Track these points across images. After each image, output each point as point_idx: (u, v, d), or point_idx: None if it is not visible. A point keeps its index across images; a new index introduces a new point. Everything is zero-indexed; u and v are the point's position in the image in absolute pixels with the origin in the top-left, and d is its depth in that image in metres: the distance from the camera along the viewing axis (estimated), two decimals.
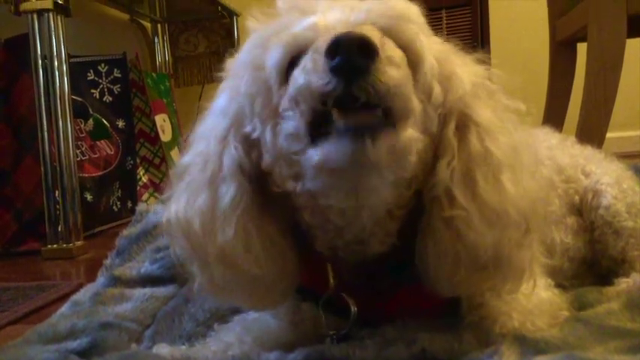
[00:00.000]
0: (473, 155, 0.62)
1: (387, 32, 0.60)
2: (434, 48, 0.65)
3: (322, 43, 0.56)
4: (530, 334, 0.67)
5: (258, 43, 0.64)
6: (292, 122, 0.58)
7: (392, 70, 0.55)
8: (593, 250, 0.96)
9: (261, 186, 0.64)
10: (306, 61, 0.57)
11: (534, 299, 0.73)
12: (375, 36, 0.56)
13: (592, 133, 1.60)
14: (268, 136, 0.61)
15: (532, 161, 0.66)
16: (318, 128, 0.56)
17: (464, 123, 0.64)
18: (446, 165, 0.62)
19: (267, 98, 0.62)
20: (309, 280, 0.70)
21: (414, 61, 0.61)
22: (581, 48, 1.88)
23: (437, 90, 0.62)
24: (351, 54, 0.53)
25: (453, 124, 0.63)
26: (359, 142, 0.53)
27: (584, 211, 0.96)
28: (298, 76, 0.57)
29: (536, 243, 0.81)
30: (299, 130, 0.57)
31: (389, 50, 0.57)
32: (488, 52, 2.57)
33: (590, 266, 0.98)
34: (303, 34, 0.60)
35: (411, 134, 0.58)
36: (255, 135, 0.63)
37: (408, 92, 0.58)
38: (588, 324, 0.71)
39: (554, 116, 1.95)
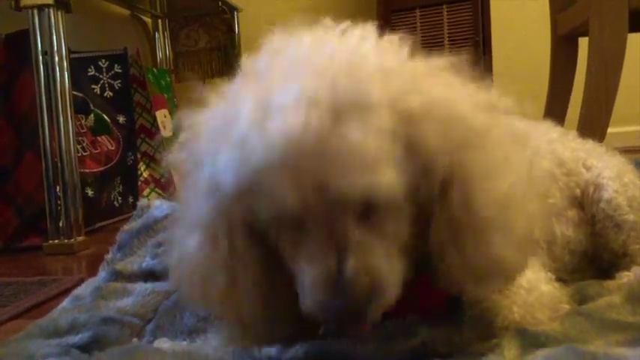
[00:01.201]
0: (458, 221, 0.61)
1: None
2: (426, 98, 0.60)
3: (313, 293, 0.59)
4: (530, 327, 0.68)
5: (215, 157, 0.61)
6: None
7: (381, 302, 0.59)
8: (594, 243, 0.96)
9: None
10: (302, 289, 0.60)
11: (535, 293, 0.74)
12: (365, 280, 0.57)
13: (593, 127, 1.60)
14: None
15: (531, 189, 0.66)
16: None
17: (447, 182, 0.61)
18: (434, 232, 0.62)
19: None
20: None
21: None
22: (583, 42, 1.87)
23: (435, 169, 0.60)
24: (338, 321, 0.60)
25: (437, 188, 0.61)
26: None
27: (585, 204, 0.96)
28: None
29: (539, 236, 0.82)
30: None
31: (381, 283, 0.58)
32: (490, 47, 2.56)
33: (592, 260, 0.98)
34: (287, 214, 0.57)
35: (393, 295, 0.60)
36: None
37: (394, 299, 0.60)
38: (589, 317, 0.71)
39: (555, 111, 1.94)
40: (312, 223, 0.58)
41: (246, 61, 0.66)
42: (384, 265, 0.59)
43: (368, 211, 0.58)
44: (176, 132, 0.70)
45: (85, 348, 0.70)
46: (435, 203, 0.61)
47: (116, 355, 0.62)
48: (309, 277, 0.59)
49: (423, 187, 0.60)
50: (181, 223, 0.69)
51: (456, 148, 0.60)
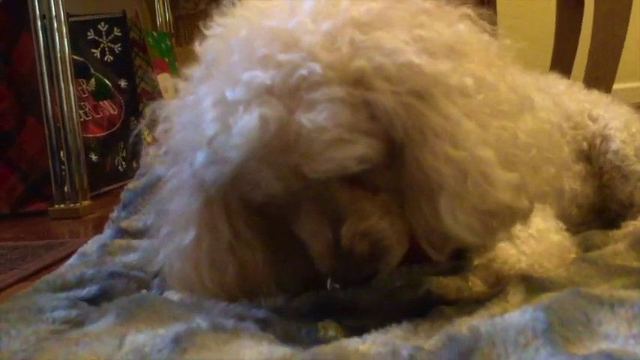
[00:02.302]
0: (414, 186, 0.59)
1: None
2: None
3: (328, 268, 0.61)
4: (536, 275, 0.68)
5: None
6: None
7: (386, 260, 0.61)
8: (601, 195, 0.96)
9: None
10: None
11: (545, 242, 0.74)
12: (363, 247, 0.58)
13: (599, 82, 1.57)
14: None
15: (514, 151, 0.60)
16: None
17: (405, 134, 0.58)
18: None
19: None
20: None
21: None
22: None
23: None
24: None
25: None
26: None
27: (592, 156, 0.96)
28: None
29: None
30: None
31: (380, 243, 0.60)
32: (494, 3, 2.50)
33: (599, 213, 0.98)
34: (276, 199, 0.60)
35: (399, 252, 0.62)
36: None
37: (401, 250, 0.62)
38: (594, 263, 0.71)
39: (561, 65, 1.92)
40: (302, 200, 0.60)
41: (199, 48, 0.65)
42: (382, 224, 0.60)
43: (354, 175, 0.58)
44: (151, 124, 0.71)
45: (92, 301, 0.71)
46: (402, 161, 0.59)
47: (123, 304, 0.62)
48: (313, 252, 0.61)
49: (396, 144, 0.58)
50: (166, 220, 0.69)
51: (408, 102, 0.57)
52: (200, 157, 0.59)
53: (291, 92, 0.55)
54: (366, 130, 0.56)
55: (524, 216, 0.63)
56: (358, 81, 0.56)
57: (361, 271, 0.61)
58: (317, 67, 0.55)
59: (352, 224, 0.59)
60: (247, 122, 0.54)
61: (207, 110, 0.58)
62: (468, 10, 0.66)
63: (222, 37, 0.63)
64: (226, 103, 0.56)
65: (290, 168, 0.55)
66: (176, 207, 0.67)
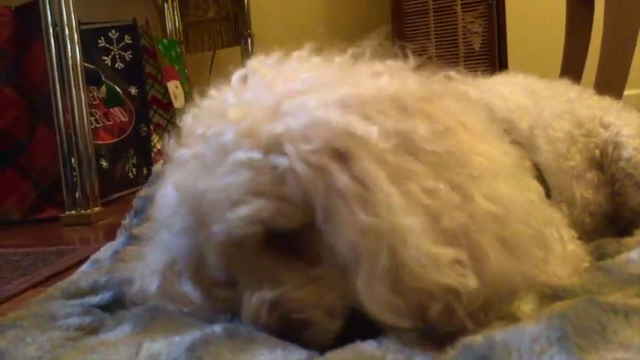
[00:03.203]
0: (335, 261, 0.55)
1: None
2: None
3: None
4: (549, 283, 0.67)
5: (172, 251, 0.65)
6: None
7: (306, 336, 0.56)
8: (614, 203, 0.96)
9: None
10: None
11: (558, 252, 0.73)
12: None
13: (610, 88, 1.57)
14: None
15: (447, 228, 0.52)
16: None
17: (316, 202, 0.55)
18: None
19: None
20: None
21: None
22: (599, 1, 1.83)
23: None
24: None
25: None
26: None
27: (604, 163, 0.96)
28: None
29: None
30: None
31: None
32: (504, 5, 2.52)
33: (612, 221, 0.97)
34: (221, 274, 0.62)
35: (333, 328, 0.58)
36: None
37: (329, 324, 0.56)
38: (608, 272, 0.70)
39: (571, 71, 1.91)
40: (239, 275, 0.60)
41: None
42: (297, 294, 0.55)
43: (281, 241, 0.56)
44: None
45: (105, 308, 0.71)
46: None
47: (139, 312, 0.63)
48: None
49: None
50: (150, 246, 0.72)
51: (319, 163, 0.53)
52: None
53: (215, 159, 0.57)
54: (269, 192, 0.54)
55: (475, 298, 0.52)
56: (272, 146, 0.55)
57: (289, 336, 0.55)
58: (230, 134, 0.56)
59: (261, 293, 0.56)
60: (167, 192, 0.61)
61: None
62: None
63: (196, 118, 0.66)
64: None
65: (211, 237, 0.57)
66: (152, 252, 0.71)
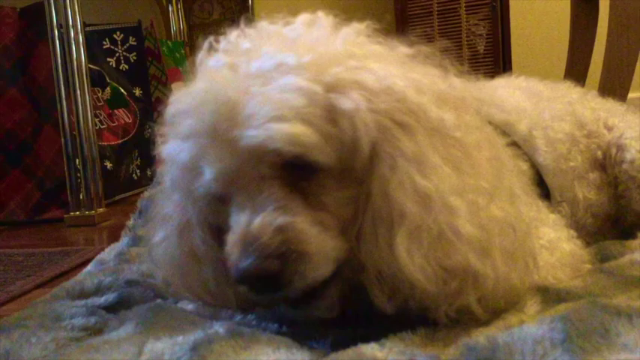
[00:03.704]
0: (375, 212, 0.57)
1: (284, 159, 0.57)
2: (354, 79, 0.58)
3: (229, 265, 0.57)
4: (552, 286, 0.67)
5: (177, 182, 0.64)
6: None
7: (303, 267, 0.55)
8: (617, 205, 0.95)
9: None
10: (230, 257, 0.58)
11: (557, 253, 0.73)
12: (274, 240, 0.54)
13: (614, 90, 1.57)
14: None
15: (488, 196, 0.58)
16: None
17: (374, 158, 0.58)
18: (356, 226, 0.59)
19: (208, 215, 0.65)
20: None
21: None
22: (604, 3, 1.83)
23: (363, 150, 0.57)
24: (259, 285, 0.55)
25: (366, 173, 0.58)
26: (297, 310, 0.60)
27: (607, 165, 0.95)
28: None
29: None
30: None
31: (296, 243, 0.55)
32: (508, 8, 2.51)
33: (615, 222, 0.97)
34: (214, 186, 0.59)
35: (347, 274, 0.59)
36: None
37: (328, 267, 0.57)
38: (611, 274, 0.70)
39: (575, 74, 1.91)
40: (234, 193, 0.59)
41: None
42: (304, 226, 0.56)
43: (294, 176, 0.57)
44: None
45: (110, 309, 0.71)
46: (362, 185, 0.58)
47: (142, 312, 0.63)
48: (228, 242, 0.58)
49: (356, 163, 0.57)
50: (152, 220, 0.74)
51: (385, 124, 0.56)
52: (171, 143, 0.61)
53: (261, 73, 0.57)
54: (317, 125, 0.56)
55: (487, 288, 0.56)
56: (335, 87, 0.57)
57: (268, 275, 0.54)
58: (292, 59, 0.57)
59: (270, 215, 0.55)
60: (205, 86, 0.58)
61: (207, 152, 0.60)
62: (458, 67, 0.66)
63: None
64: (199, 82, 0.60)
65: (230, 143, 0.56)
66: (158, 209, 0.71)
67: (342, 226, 0.58)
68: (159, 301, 0.70)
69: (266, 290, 0.55)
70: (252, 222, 0.56)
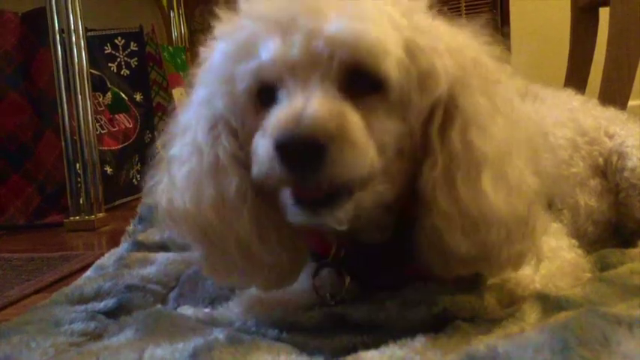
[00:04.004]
0: (453, 155, 0.59)
1: (353, 64, 0.57)
2: (415, 35, 0.60)
3: (273, 131, 0.54)
4: (552, 294, 0.67)
5: (227, 58, 0.61)
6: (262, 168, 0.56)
7: (347, 155, 0.53)
8: (618, 212, 0.95)
9: None
10: (260, 142, 0.56)
11: (557, 261, 0.73)
12: (329, 117, 0.53)
13: (614, 99, 1.57)
14: (251, 148, 0.59)
15: (533, 151, 0.63)
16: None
17: (449, 116, 0.60)
18: (428, 168, 0.59)
19: (241, 116, 0.62)
20: (320, 248, 0.70)
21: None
22: (604, 12, 1.84)
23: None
24: (299, 157, 0.52)
25: (438, 118, 0.60)
26: (313, 213, 0.56)
27: (608, 173, 0.96)
28: (256, 149, 0.57)
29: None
30: (270, 176, 0.56)
31: (346, 130, 0.54)
32: (508, 18, 2.51)
33: (615, 230, 0.97)
34: (268, 69, 0.57)
35: (369, 197, 0.58)
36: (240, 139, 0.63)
37: (366, 167, 0.55)
38: (611, 283, 0.70)
39: (575, 82, 1.92)
40: (288, 81, 0.56)
41: None
42: (359, 124, 0.55)
43: (352, 90, 0.57)
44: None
45: (109, 314, 0.71)
46: (431, 144, 0.60)
47: (142, 318, 0.63)
48: (272, 120, 0.55)
49: (416, 102, 0.59)
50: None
51: (460, 78, 0.60)
52: (243, 83, 0.59)
53: None
54: (399, 55, 0.57)
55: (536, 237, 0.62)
56: (414, 27, 0.60)
57: (314, 144, 0.52)
58: None
59: (330, 103, 0.54)
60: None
61: (258, 44, 0.58)
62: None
63: None
64: (282, 60, 0.57)
65: (304, 31, 0.55)
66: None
67: (384, 146, 0.58)
68: (159, 306, 0.70)
69: (304, 166, 0.53)
70: (309, 101, 0.54)
